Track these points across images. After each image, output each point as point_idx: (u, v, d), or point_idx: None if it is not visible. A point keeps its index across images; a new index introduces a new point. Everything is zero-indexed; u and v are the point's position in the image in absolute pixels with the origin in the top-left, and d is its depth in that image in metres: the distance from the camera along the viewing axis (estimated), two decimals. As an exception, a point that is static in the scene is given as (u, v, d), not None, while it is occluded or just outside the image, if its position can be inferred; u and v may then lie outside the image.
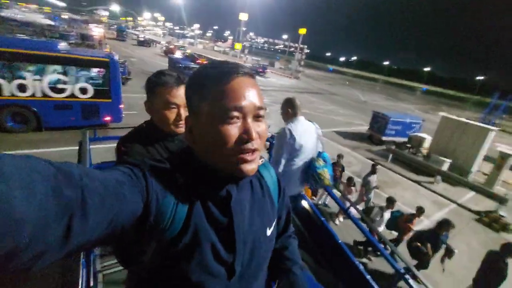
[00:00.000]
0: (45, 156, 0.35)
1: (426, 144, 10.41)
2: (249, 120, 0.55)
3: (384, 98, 32.37)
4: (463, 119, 10.05)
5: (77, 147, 2.37)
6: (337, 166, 5.84)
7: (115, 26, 47.35)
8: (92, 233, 0.39)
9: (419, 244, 3.84)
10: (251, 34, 36.09)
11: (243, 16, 26.69)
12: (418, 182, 8.42)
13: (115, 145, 1.19)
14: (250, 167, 0.56)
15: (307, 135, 2.38)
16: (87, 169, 0.43)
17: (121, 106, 7.18)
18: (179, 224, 0.54)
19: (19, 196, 0.29)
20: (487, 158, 9.38)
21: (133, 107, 9.17)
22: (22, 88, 6.01)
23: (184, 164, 0.60)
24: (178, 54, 25.69)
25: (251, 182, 0.68)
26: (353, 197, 5.64)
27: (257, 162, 0.58)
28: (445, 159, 8.97)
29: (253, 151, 0.55)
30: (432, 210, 6.82)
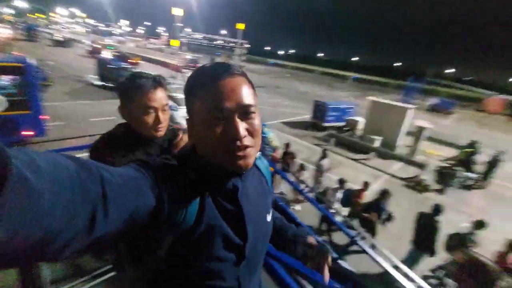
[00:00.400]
0: None
1: (360, 126, 11.67)
2: (235, 118, 0.56)
3: (323, 88, 34.98)
4: (387, 101, 11.55)
5: None
6: (286, 154, 6.13)
7: (24, 25, 40.28)
8: (114, 225, 0.41)
9: (365, 214, 4.39)
10: (188, 30, 34.81)
11: (177, 11, 25.47)
12: (357, 160, 9.44)
13: None
14: (243, 162, 0.58)
15: None
16: (106, 165, 0.45)
17: (43, 117, 6.24)
18: (193, 216, 0.56)
19: (49, 189, 0.30)
20: (408, 133, 10.98)
21: (59, 118, 8.07)
22: None
23: (190, 160, 0.62)
24: (107, 54, 23.24)
25: (251, 174, 0.71)
26: (306, 181, 6.03)
27: (252, 156, 0.60)
28: (376, 137, 10.22)
29: (245, 147, 0.57)
30: (371, 182, 7.74)
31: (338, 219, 3.93)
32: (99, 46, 27.54)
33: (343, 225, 2.36)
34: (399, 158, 9.43)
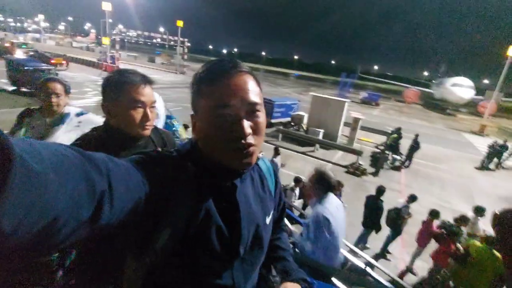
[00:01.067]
0: None
1: (305, 120, 12.35)
2: (242, 116, 0.56)
3: (267, 85, 35.93)
4: (326, 96, 12.46)
5: None
6: None
7: None
8: (118, 215, 0.42)
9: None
10: (120, 26, 31.87)
11: (106, 6, 23.11)
12: (304, 153, 9.99)
13: None
14: (245, 160, 0.58)
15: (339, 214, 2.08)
16: (111, 156, 0.45)
17: None
18: (189, 212, 0.57)
19: (54, 178, 0.30)
20: (346, 124, 12.06)
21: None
22: None
23: (192, 155, 0.62)
24: (19, 54, 19.77)
25: (251, 174, 0.71)
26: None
27: (254, 154, 0.59)
28: (319, 129, 10.94)
29: (248, 145, 0.56)
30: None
31: (296, 213, 4.08)
32: (9, 45, 23.33)
33: (301, 219, 2.48)
34: (340, 148, 10.28)
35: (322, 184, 2.06)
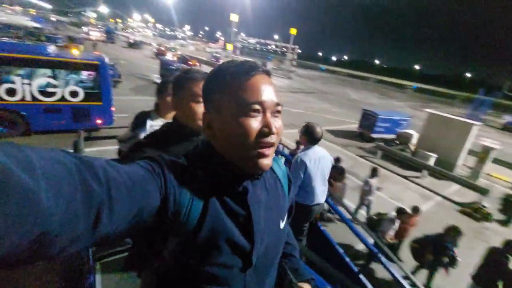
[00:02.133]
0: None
1: (414, 140, 10.69)
2: (268, 114, 0.57)
3: (376, 97, 32.88)
4: (448, 115, 10.37)
5: (70, 150, 2.45)
6: (334, 169, 5.76)
7: (104, 28, 46.80)
8: (119, 225, 0.40)
9: (417, 245, 3.79)
10: (243, 34, 36.20)
11: (234, 17, 26.77)
12: (406, 177, 8.68)
13: (107, 147, 1.20)
14: (266, 162, 0.58)
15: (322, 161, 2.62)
16: (112, 162, 0.43)
17: (112, 108, 7.21)
18: (195, 218, 0.55)
19: (45, 188, 0.29)
20: (471, 152, 9.69)
21: (124, 110, 9.14)
22: (11, 92, 6.01)
23: (202, 159, 0.61)
24: (169, 56, 25.64)
25: (264, 177, 0.68)
26: (343, 193, 5.70)
27: (271, 156, 0.59)
28: (431, 154, 9.25)
29: (271, 145, 0.57)
30: (418, 203, 7.03)
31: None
32: (163, 49, 30.53)
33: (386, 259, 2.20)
34: (457, 180, 8.38)
35: (309, 137, 2.59)
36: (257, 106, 0.55)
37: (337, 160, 5.97)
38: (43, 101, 6.36)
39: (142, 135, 1.67)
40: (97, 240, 0.38)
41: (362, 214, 5.73)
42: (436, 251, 3.74)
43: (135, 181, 0.45)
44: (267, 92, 0.57)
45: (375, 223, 4.42)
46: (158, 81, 15.83)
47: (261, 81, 0.57)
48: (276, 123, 0.58)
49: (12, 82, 5.97)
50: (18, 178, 0.26)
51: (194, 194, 0.55)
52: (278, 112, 0.60)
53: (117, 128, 6.01)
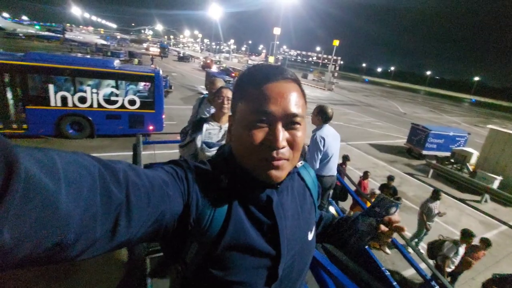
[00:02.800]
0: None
1: (473, 159, 9.56)
2: (279, 126, 0.52)
3: (427, 110, 30.35)
4: (516, 132, 9.11)
5: (129, 153, 2.74)
6: (386, 189, 5.37)
7: (159, 43, 51.66)
8: (138, 230, 0.40)
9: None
10: (284, 47, 36.79)
11: (276, 31, 27.43)
12: (463, 200, 7.76)
13: (156, 151, 1.31)
14: (275, 173, 0.54)
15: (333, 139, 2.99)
16: (134, 166, 0.43)
17: (163, 116, 7.85)
18: (218, 225, 0.53)
19: (66, 192, 0.29)
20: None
21: (172, 118, 9.90)
22: (82, 100, 6.94)
23: (226, 164, 0.60)
24: (214, 68, 27.19)
25: (291, 185, 0.65)
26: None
27: (286, 169, 0.56)
28: (494, 176, 8.15)
29: (279, 158, 0.53)
30: (479, 231, 6.22)
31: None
32: (209, 61, 32.47)
33: None
34: (530, 208, 7.22)
35: (322, 116, 2.93)
36: (264, 117, 0.52)
37: (390, 178, 5.58)
38: (106, 108, 7.22)
39: (199, 138, 1.80)
40: (116, 244, 0.38)
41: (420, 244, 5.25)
42: None
43: (155, 186, 0.44)
44: (283, 101, 0.53)
45: (437, 247, 3.92)
46: (204, 92, 16.91)
47: (277, 89, 0.53)
48: (290, 135, 0.54)
49: (84, 91, 6.91)
50: (40, 182, 0.27)
51: (218, 200, 0.54)
52: (296, 123, 0.54)
53: (166, 134, 6.53)
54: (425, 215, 4.96)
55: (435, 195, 5.04)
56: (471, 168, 9.42)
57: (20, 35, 36.63)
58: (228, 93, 1.87)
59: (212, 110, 2.68)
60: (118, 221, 0.36)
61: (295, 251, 0.62)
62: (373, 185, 6.22)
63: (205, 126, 1.83)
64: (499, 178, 8.12)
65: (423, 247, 5.22)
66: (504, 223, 6.81)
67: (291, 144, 0.55)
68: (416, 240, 5.18)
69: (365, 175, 5.63)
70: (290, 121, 0.54)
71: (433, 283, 2.10)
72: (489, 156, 9.03)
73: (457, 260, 3.70)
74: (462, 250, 3.76)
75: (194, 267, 0.55)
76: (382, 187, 5.51)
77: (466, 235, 3.79)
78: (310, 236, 0.67)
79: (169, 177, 0.49)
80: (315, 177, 0.77)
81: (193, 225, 0.52)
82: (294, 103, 0.54)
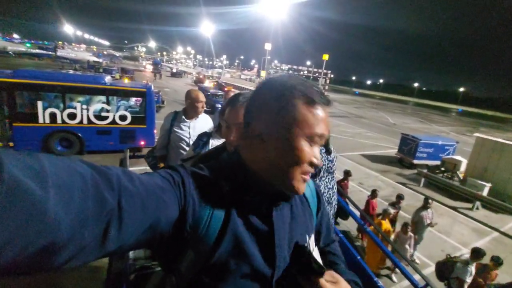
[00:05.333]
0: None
1: (462, 167, 9.74)
2: (318, 145, 0.57)
3: (416, 121, 31.08)
4: (500, 139, 9.37)
5: None
6: (395, 208, 5.18)
7: (152, 60, 52.28)
8: (130, 237, 0.39)
9: None
10: (276, 62, 37.68)
11: (268, 46, 28.15)
12: (455, 208, 7.82)
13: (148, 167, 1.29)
14: (304, 187, 0.58)
15: None
16: (128, 171, 0.43)
17: (155, 131, 7.81)
18: (214, 233, 0.52)
19: (55, 197, 0.28)
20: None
21: (164, 132, 9.84)
22: (71, 116, 6.87)
23: (230, 171, 0.59)
24: (207, 83, 27.50)
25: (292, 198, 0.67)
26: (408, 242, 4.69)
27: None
28: (484, 183, 8.29)
29: (309, 173, 0.58)
30: (472, 238, 6.27)
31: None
32: (202, 77, 32.90)
33: None
34: (520, 214, 7.32)
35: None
36: (317, 138, 0.56)
37: (398, 197, 5.29)
38: (97, 124, 7.15)
39: None
40: (107, 251, 0.37)
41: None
42: None
43: (150, 191, 0.43)
44: (325, 125, 0.57)
45: (446, 269, 3.71)
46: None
47: (326, 113, 0.57)
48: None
49: (74, 108, 6.85)
50: (25, 187, 0.26)
51: (215, 207, 0.53)
52: (322, 144, 0.60)
53: (158, 149, 6.48)
54: (415, 224, 4.94)
55: (425, 203, 5.07)
56: (461, 176, 9.58)
57: (10, 53, 36.55)
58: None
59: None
60: (109, 227, 0.35)
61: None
62: (382, 204, 6.00)
63: (211, 141, 1.80)
64: (489, 185, 8.26)
65: (418, 257, 5.22)
66: (496, 230, 6.87)
67: None
68: (411, 251, 5.15)
69: (373, 194, 5.30)
70: (322, 143, 0.59)
71: None
72: (477, 164, 9.22)
73: (469, 281, 3.55)
74: (473, 269, 3.60)
75: (189, 277, 0.53)
76: (391, 206, 5.24)
77: (478, 255, 3.58)
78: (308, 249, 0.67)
79: (164, 183, 0.48)
80: (315, 189, 0.78)
81: (189, 231, 0.51)
82: (328, 126, 0.59)
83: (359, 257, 2.20)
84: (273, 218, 0.58)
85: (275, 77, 0.60)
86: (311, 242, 0.68)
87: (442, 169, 10.16)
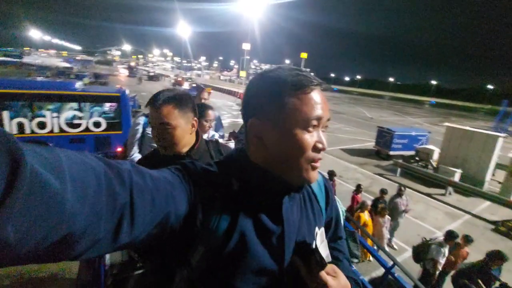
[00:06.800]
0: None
1: (435, 156, 10.27)
2: (321, 130, 0.57)
3: (391, 114, 32.38)
4: (469, 128, 9.98)
5: None
6: (379, 203, 5.11)
7: (126, 64, 50.69)
8: (141, 231, 0.40)
9: (466, 281, 3.33)
10: (255, 61, 37.72)
11: (246, 46, 28.19)
12: (429, 195, 8.25)
13: None
14: (315, 175, 0.57)
15: None
16: (139, 166, 0.43)
17: (131, 136, 7.59)
18: (224, 230, 0.53)
19: (71, 190, 0.29)
20: (500, 166, 9.12)
21: (143, 137, 9.59)
22: (41, 125, 6.53)
23: (238, 167, 0.59)
24: (186, 86, 27.05)
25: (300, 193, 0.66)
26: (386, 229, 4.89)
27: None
28: (455, 169, 8.80)
29: (320, 159, 0.56)
30: (445, 222, 6.64)
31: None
32: (180, 79, 32.33)
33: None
34: (487, 197, 7.83)
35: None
36: (315, 121, 0.54)
37: (382, 192, 5.32)
38: (69, 132, 6.84)
39: None
40: (119, 245, 0.38)
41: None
42: (485, 283, 3.28)
43: (160, 187, 0.44)
44: (325, 107, 0.56)
45: (422, 251, 3.90)
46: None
47: (319, 95, 0.55)
48: (324, 137, 0.57)
49: (43, 116, 6.51)
50: (45, 180, 0.27)
51: (225, 203, 0.54)
52: (327, 126, 0.59)
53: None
54: (391, 211, 5.13)
55: (399, 191, 5.30)
56: (434, 164, 10.10)
57: (-29, 61, 34.13)
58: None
59: None
60: (122, 222, 0.36)
61: None
62: (365, 197, 6.13)
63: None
64: (459, 171, 8.77)
65: (396, 242, 5.45)
66: (468, 213, 7.31)
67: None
68: (388, 236, 5.37)
69: (358, 189, 5.41)
70: (325, 125, 0.58)
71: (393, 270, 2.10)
72: (448, 152, 9.75)
73: (443, 261, 3.75)
74: (447, 250, 3.81)
75: (200, 271, 0.54)
76: (375, 201, 5.36)
77: (452, 236, 3.83)
78: (314, 243, 0.66)
79: (174, 178, 0.49)
80: (324, 183, 0.76)
81: (199, 227, 0.51)
82: (328, 108, 0.57)
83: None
84: (283, 215, 0.58)
85: (265, 71, 0.59)
86: (319, 236, 0.67)
87: (417, 158, 10.66)
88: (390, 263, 2.05)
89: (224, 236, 0.53)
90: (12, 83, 6.59)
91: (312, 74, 0.58)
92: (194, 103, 1.19)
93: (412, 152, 11.04)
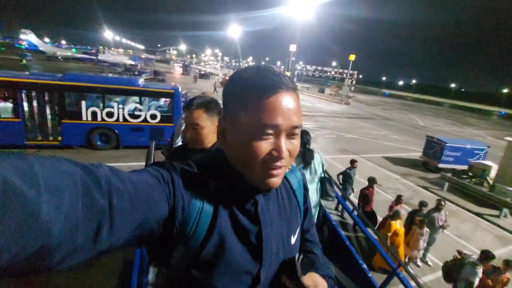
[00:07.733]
0: (122, 169, 0.43)
1: (492, 172, 9.24)
2: (282, 137, 0.53)
3: (448, 123, 29.30)
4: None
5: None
6: (416, 216, 4.91)
7: (182, 62, 54.89)
8: (121, 236, 0.39)
9: None
10: (301, 63, 37.66)
11: (292, 47, 28.33)
12: (480, 214, 7.52)
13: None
14: (275, 181, 0.55)
15: None
16: (116, 169, 0.42)
17: (181, 129, 8.49)
18: (204, 229, 0.54)
19: (47, 199, 0.28)
20: None
21: (190, 131, 10.51)
22: (110, 114, 7.75)
23: (214, 167, 0.59)
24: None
25: (277, 189, 0.66)
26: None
27: (282, 176, 0.57)
28: (514, 190, 7.86)
29: (280, 167, 0.54)
30: (494, 245, 6.05)
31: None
32: (227, 78, 33.77)
33: None
34: (553, 224, 6.86)
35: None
36: (271, 130, 0.52)
37: (421, 204, 5.06)
38: (131, 122, 7.98)
39: None
40: (99, 251, 0.37)
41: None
42: None
43: (139, 190, 0.43)
44: (286, 114, 0.52)
45: (453, 270, 3.65)
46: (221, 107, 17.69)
47: (283, 100, 0.52)
48: (290, 145, 0.55)
49: (112, 107, 7.72)
50: (18, 190, 0.26)
51: (203, 204, 0.54)
52: (296, 134, 0.56)
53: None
54: (426, 225, 4.83)
55: (438, 205, 5.01)
56: (491, 181, 9.10)
57: (59, 58, 40.48)
58: None
59: None
60: (100, 228, 0.35)
61: (278, 258, 0.63)
62: (404, 209, 6.09)
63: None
64: (519, 192, 7.81)
65: (431, 259, 5.19)
66: (524, 239, 6.53)
67: (290, 153, 0.55)
68: (422, 251, 5.14)
69: (398, 200, 5.13)
70: (292, 133, 0.55)
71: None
72: (508, 170, 8.72)
73: (476, 282, 3.50)
74: (480, 271, 3.53)
75: (179, 270, 0.56)
76: (413, 213, 5.14)
77: (489, 257, 3.58)
78: (293, 239, 0.68)
79: (154, 180, 0.48)
80: (302, 179, 0.78)
81: (178, 228, 0.52)
82: (297, 114, 0.54)
83: (347, 242, 2.47)
84: (259, 213, 0.59)
85: (242, 69, 0.58)
86: (294, 240, 0.69)
87: (470, 174, 9.71)
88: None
89: (204, 236, 0.54)
90: (90, 78, 7.96)
91: (288, 77, 0.56)
92: (220, 108, 1.39)
93: (465, 167, 10.09)
